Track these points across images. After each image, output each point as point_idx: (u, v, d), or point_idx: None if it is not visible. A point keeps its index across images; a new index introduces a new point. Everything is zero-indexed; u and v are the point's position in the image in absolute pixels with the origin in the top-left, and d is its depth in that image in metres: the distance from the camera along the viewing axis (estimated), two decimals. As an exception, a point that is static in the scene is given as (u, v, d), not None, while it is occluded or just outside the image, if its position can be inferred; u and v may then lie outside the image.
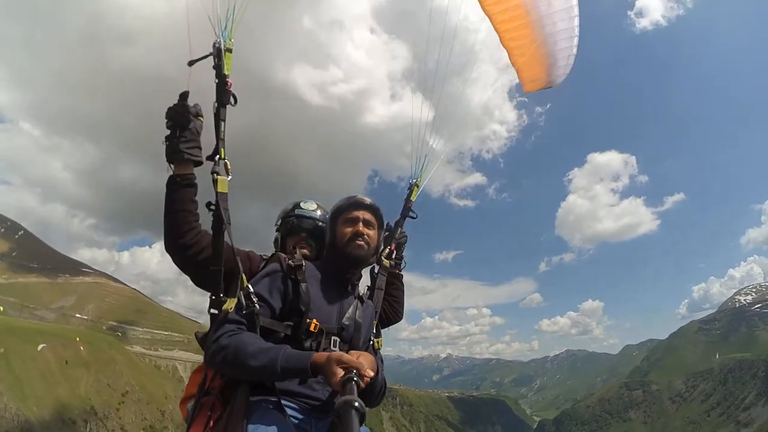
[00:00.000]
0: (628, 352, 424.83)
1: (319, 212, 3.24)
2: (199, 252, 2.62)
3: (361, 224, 2.73)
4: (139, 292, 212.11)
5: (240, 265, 2.53)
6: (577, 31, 4.70)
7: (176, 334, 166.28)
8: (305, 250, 3.03)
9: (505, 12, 4.50)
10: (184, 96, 2.57)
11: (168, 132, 2.58)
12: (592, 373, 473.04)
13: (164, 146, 2.57)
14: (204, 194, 2.60)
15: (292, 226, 3.20)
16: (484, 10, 4.45)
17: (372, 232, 2.78)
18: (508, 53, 4.77)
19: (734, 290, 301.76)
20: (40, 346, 68.55)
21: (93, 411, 67.12)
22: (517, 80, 5.05)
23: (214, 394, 2.32)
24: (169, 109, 2.57)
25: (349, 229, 2.71)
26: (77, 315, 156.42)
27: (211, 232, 2.60)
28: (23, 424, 54.81)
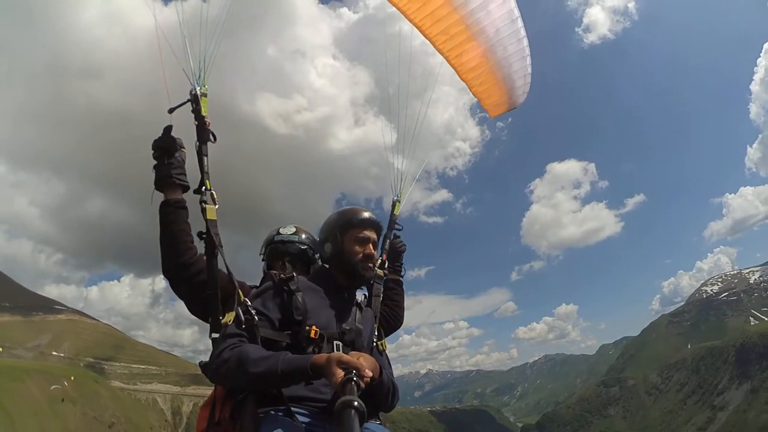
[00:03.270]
0: (605, 351, 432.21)
1: (302, 235, 3.42)
2: (198, 273, 2.76)
3: (371, 246, 2.83)
4: (114, 327, 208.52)
5: (236, 281, 2.65)
6: (527, 51, 4.89)
7: (153, 368, 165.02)
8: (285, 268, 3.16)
9: (457, 47, 4.66)
10: (168, 129, 2.84)
11: (155, 161, 2.82)
12: (571, 375, 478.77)
13: (153, 174, 2.81)
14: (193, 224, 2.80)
15: (274, 252, 3.36)
16: (437, 49, 4.63)
17: (376, 253, 2.91)
18: (468, 85, 4.97)
19: (703, 281, 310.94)
20: (53, 387, 70.02)
21: None
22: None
23: (225, 424, 2.34)
24: (156, 140, 2.83)
25: (359, 249, 2.79)
26: (54, 353, 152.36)
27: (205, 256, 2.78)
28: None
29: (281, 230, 3.45)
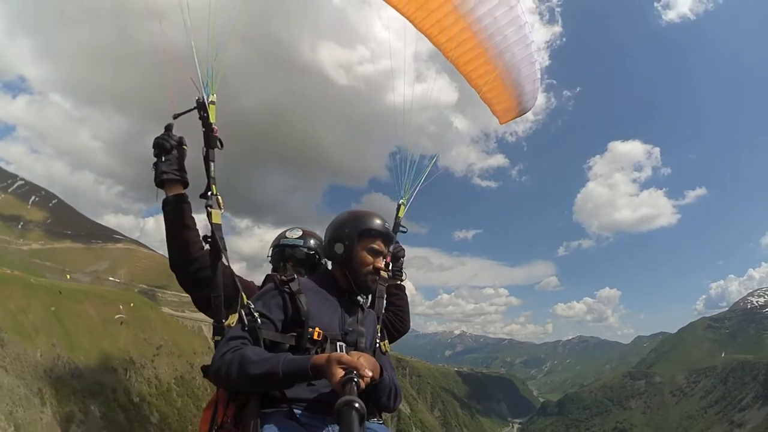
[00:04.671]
0: (639, 342, 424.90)
1: (311, 241, 3.49)
2: (203, 268, 2.81)
3: (381, 259, 2.80)
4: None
5: (239, 283, 2.71)
6: (535, 56, 4.97)
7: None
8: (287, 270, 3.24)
9: (465, 54, 4.73)
10: (168, 127, 2.94)
11: (155, 159, 2.89)
12: (602, 360, 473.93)
13: (153, 172, 2.87)
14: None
15: (279, 255, 3.46)
16: (446, 56, 4.66)
17: (383, 265, 2.84)
18: (477, 91, 4.98)
19: (752, 290, 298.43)
20: (117, 316, 78.32)
21: (131, 361, 74.80)
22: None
23: (228, 426, 2.38)
24: (156, 138, 2.91)
25: (371, 260, 2.75)
26: (110, 278, 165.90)
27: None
28: (74, 371, 62.84)
29: (288, 233, 3.52)
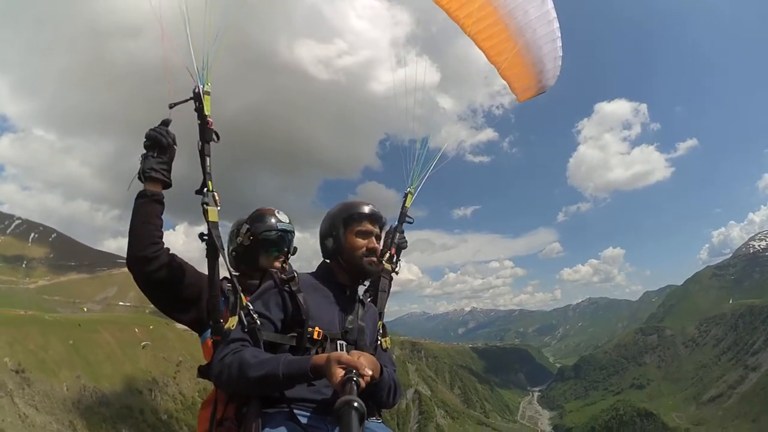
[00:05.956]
0: (648, 298, 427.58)
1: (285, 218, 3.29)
2: (159, 269, 2.67)
3: (374, 239, 2.73)
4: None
5: (237, 285, 2.59)
6: (558, 33, 4.75)
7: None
8: (286, 266, 3.06)
9: (485, 30, 4.56)
10: (166, 122, 2.81)
11: (145, 151, 2.76)
12: (613, 320, 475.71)
13: (140, 163, 2.74)
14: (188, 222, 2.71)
15: (274, 240, 3.18)
16: (465, 31, 4.51)
17: (380, 246, 2.81)
18: (497, 68, 4.81)
19: (753, 234, 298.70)
20: (144, 344, 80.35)
21: (155, 381, 76.80)
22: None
23: (228, 423, 2.41)
24: (151, 130, 2.77)
25: (363, 242, 2.69)
26: (121, 303, 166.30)
27: (175, 255, 2.78)
28: (101, 399, 64.62)
29: (281, 217, 3.25)
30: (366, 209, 2.75)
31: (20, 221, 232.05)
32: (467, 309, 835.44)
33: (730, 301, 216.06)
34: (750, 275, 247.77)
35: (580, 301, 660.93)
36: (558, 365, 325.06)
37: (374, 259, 2.72)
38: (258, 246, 3.15)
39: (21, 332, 63.22)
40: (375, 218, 2.77)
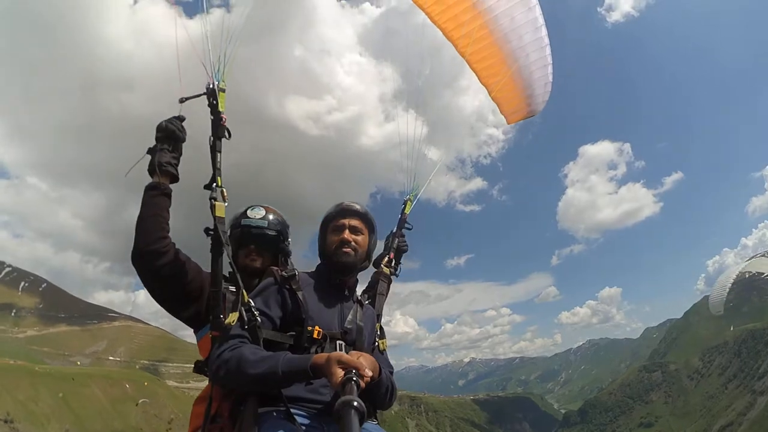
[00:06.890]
0: (649, 334, 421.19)
1: (270, 218, 3.20)
2: (167, 263, 2.66)
3: (347, 231, 2.75)
4: (164, 330, 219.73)
5: (240, 282, 2.54)
6: (549, 59, 4.84)
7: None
8: (256, 263, 3.08)
9: (479, 52, 4.60)
10: (181, 118, 2.84)
11: (156, 143, 2.77)
12: (615, 360, 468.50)
13: (150, 155, 2.75)
14: (196, 218, 2.76)
15: (240, 236, 3.13)
16: (459, 52, 4.53)
17: (360, 238, 2.79)
18: (487, 90, 4.84)
19: (748, 258, 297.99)
20: (141, 401, 78.21)
21: None
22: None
23: (222, 422, 2.35)
24: (167, 122, 2.77)
25: (336, 238, 2.74)
26: (110, 358, 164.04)
27: (179, 249, 2.76)
28: (91, 455, 62.66)
29: (249, 212, 3.19)
30: (336, 207, 2.85)
31: (11, 269, 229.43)
32: (466, 360, 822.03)
33: (731, 328, 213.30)
34: (748, 299, 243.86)
35: (580, 343, 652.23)
36: (563, 411, 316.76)
37: (345, 249, 2.73)
38: (234, 243, 3.10)
39: (10, 382, 61.15)
40: (345, 212, 2.83)
